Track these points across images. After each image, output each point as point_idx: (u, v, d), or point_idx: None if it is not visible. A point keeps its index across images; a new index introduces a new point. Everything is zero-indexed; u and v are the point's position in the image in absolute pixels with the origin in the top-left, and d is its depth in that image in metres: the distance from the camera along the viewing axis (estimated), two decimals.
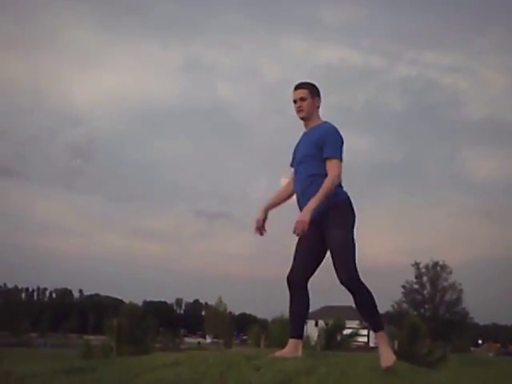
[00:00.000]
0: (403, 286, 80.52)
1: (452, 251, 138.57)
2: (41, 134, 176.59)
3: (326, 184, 4.67)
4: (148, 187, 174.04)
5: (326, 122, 4.98)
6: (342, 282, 4.70)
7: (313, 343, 23.79)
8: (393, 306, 78.66)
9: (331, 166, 4.75)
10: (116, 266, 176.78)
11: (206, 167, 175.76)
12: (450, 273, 78.87)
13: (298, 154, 5.06)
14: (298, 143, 5.13)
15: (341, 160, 4.79)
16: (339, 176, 4.76)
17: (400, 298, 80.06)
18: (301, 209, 4.83)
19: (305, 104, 4.96)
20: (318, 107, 5.06)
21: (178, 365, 4.34)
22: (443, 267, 79.18)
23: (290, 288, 4.93)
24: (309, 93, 4.97)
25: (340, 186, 4.84)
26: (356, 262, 4.77)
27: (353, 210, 4.85)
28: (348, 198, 4.86)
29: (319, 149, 4.81)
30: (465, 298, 78.48)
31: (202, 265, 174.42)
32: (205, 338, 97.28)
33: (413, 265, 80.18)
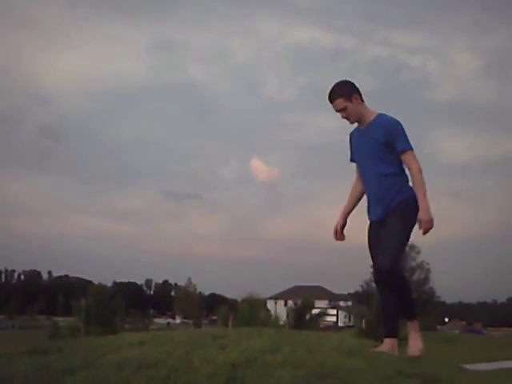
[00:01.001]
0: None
1: (420, 231, 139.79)
2: (8, 115, 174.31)
3: (417, 177, 4.64)
4: (117, 167, 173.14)
5: (381, 115, 4.86)
6: (380, 267, 4.70)
7: (282, 323, 23.94)
8: (362, 286, 79.42)
9: (409, 158, 4.69)
10: (86, 247, 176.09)
11: (176, 148, 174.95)
12: (419, 253, 79.74)
13: (361, 151, 4.95)
14: (356, 138, 5.02)
15: (413, 151, 4.74)
16: (420, 169, 4.69)
17: (369, 277, 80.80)
18: (370, 209, 4.92)
19: (347, 112, 4.84)
20: (362, 101, 4.89)
21: (144, 344, 4.34)
22: (412, 247, 79.86)
23: (378, 287, 4.95)
24: (344, 100, 4.80)
25: (408, 181, 4.80)
26: (401, 256, 4.83)
27: (417, 208, 4.67)
28: (413, 195, 4.71)
29: (387, 145, 4.72)
30: (432, 277, 79.52)
31: (172, 245, 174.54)
32: (174, 318, 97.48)
33: None
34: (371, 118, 4.84)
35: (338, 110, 4.83)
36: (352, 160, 5.09)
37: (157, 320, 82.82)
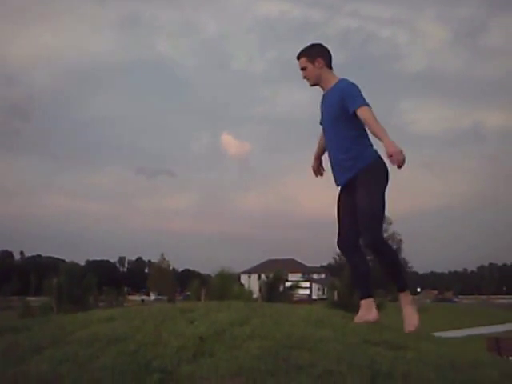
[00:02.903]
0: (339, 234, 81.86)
1: (391, 202, 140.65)
2: None
3: (375, 125, 4.61)
4: (88, 145, 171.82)
5: (340, 80, 4.90)
6: (366, 243, 4.68)
7: (255, 296, 24.07)
8: (334, 258, 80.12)
9: (363, 113, 4.65)
10: (58, 226, 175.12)
11: (146, 124, 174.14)
12: (390, 223, 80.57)
13: (323, 115, 5.01)
14: (322, 102, 5.05)
15: (368, 106, 4.70)
16: (375, 118, 4.66)
17: None
18: (334, 175, 4.91)
19: (307, 72, 4.92)
20: (326, 65, 4.94)
21: (113, 320, 4.36)
22: None
23: (343, 253, 4.99)
24: (307, 60, 4.91)
25: (370, 144, 4.82)
26: (383, 222, 4.81)
27: (386, 170, 4.72)
28: (380, 157, 4.73)
29: (344, 108, 4.72)
30: (404, 248, 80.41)
31: (145, 222, 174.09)
32: (148, 295, 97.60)
33: None
34: (331, 83, 4.90)
35: (300, 69, 4.95)
36: (321, 123, 5.14)
37: (131, 297, 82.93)
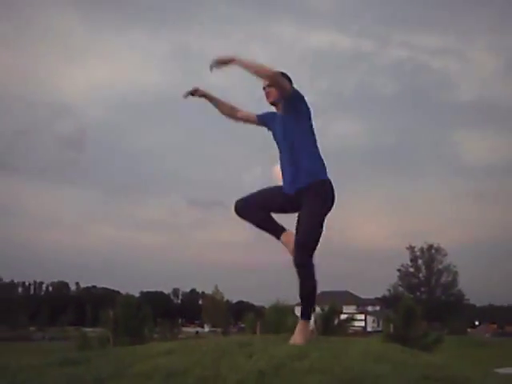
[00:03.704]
0: (399, 270, 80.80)
1: (446, 234, 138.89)
2: (30, 127, 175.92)
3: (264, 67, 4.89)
4: (141, 176, 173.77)
5: None
6: (296, 261, 4.74)
7: (310, 329, 23.88)
8: (389, 290, 79.14)
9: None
10: (112, 257, 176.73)
11: (199, 155, 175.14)
12: (445, 255, 79.26)
13: (277, 128, 5.14)
14: (275, 118, 5.21)
15: (290, 82, 5.03)
16: (276, 74, 4.93)
17: (396, 281, 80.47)
18: (286, 174, 4.98)
19: (271, 90, 5.05)
20: None
21: (172, 353, 4.37)
22: (438, 250, 79.53)
23: (237, 212, 5.08)
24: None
25: (324, 168, 4.92)
26: (316, 247, 4.82)
27: (333, 195, 4.86)
28: (330, 182, 4.87)
29: (296, 121, 4.97)
30: (460, 280, 78.92)
31: (198, 254, 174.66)
32: (203, 327, 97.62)
33: (407, 248, 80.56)
34: None
35: (267, 85, 5.06)
36: (257, 115, 5.42)
37: (185, 329, 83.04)
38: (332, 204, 4.84)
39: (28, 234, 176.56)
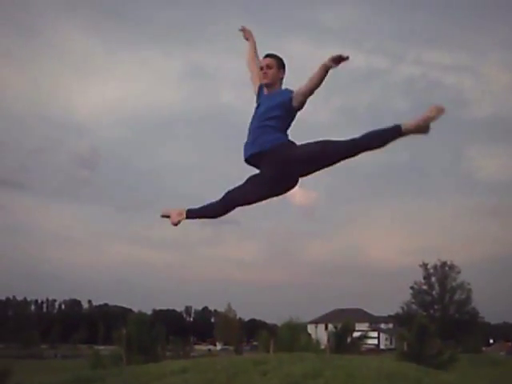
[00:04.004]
0: (412, 287, 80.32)
1: (460, 251, 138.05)
2: (44, 145, 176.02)
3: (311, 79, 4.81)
4: (153, 195, 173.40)
5: (285, 88, 5.19)
6: None
7: (323, 347, 23.81)
8: (402, 308, 78.61)
9: (297, 90, 4.95)
10: (124, 275, 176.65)
11: (211, 174, 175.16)
12: (459, 272, 78.67)
13: (258, 108, 5.28)
14: (261, 95, 5.36)
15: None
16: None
17: (409, 299, 79.95)
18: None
19: (270, 72, 5.21)
20: (281, 79, 5.28)
21: (186, 371, 4.39)
22: (451, 267, 78.99)
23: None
24: (276, 63, 5.24)
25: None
26: None
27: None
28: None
29: (280, 107, 5.04)
30: (474, 297, 78.29)
31: (210, 272, 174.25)
32: (215, 345, 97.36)
33: (421, 265, 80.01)
34: (278, 89, 5.21)
35: (265, 65, 5.24)
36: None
37: (197, 347, 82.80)
38: None
39: (40, 251, 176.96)
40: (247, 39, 5.93)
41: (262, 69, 5.29)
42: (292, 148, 4.92)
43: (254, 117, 5.32)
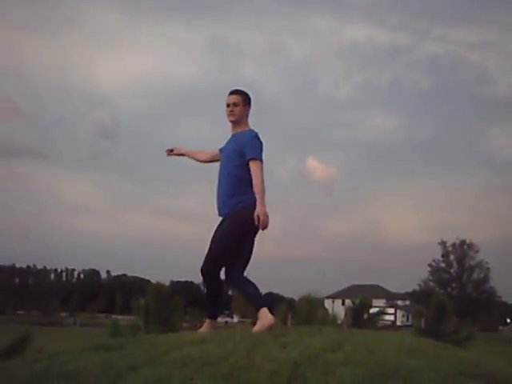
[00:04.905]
0: (430, 265, 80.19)
1: (479, 229, 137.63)
2: (67, 117, 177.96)
3: (258, 186, 5.15)
4: (173, 167, 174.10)
5: (249, 130, 5.38)
6: (201, 270, 5.24)
7: (339, 321, 23.86)
8: (419, 285, 78.65)
9: (254, 167, 5.20)
10: (143, 246, 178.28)
11: None
12: (477, 251, 78.50)
13: (224, 151, 5.49)
14: (228, 140, 5.53)
15: (261, 161, 5.26)
16: (262, 176, 5.21)
17: (427, 276, 79.91)
18: (218, 199, 5.44)
19: (237, 109, 5.36)
20: (247, 115, 5.45)
21: (205, 342, 4.38)
22: (470, 246, 78.85)
23: (203, 277, 5.36)
24: (242, 100, 5.38)
25: (250, 192, 5.21)
26: (219, 259, 5.22)
27: (251, 218, 5.11)
28: (250, 203, 5.16)
29: (240, 155, 5.24)
30: (492, 276, 78.09)
31: None
32: (232, 317, 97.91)
33: (439, 243, 79.93)
34: (244, 129, 5.39)
35: (232, 103, 5.37)
36: (220, 150, 5.64)
37: None
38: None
39: (61, 221, 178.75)
40: (182, 155, 5.92)
41: (228, 106, 5.38)
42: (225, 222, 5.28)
43: (221, 162, 5.50)
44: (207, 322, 5.47)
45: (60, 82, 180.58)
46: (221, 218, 5.42)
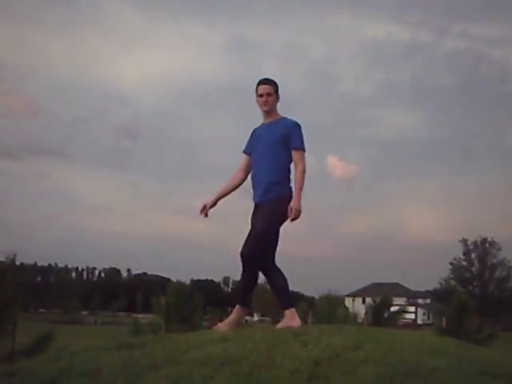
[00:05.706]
0: (451, 263, 79.74)
1: (500, 227, 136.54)
2: (87, 115, 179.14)
3: (299, 176, 5.23)
4: (194, 165, 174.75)
5: (284, 117, 5.50)
6: (240, 252, 5.20)
7: (360, 320, 23.81)
8: (440, 283, 78.15)
9: (299, 157, 5.29)
10: (163, 245, 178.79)
11: None
12: (499, 249, 77.89)
13: (259, 143, 5.47)
14: (258, 133, 5.58)
15: (304, 151, 5.34)
16: (304, 168, 5.27)
17: (448, 274, 79.46)
18: (254, 193, 5.46)
19: (270, 99, 5.47)
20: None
21: (226, 341, 4.39)
22: (492, 244, 78.33)
23: (243, 263, 5.31)
24: (274, 89, 5.49)
25: (289, 180, 5.32)
26: (261, 246, 5.21)
27: (287, 205, 5.18)
28: (288, 193, 5.26)
29: (285, 142, 5.31)
30: None
31: None
32: (252, 315, 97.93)
33: (461, 241, 79.45)
34: (277, 117, 5.49)
35: (265, 93, 5.45)
36: (245, 151, 5.65)
37: None
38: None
39: (82, 220, 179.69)
40: (216, 202, 5.74)
41: (261, 96, 5.47)
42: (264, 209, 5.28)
43: (259, 151, 5.45)
44: (237, 308, 5.55)
45: (82, 81, 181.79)
46: (255, 205, 5.50)
